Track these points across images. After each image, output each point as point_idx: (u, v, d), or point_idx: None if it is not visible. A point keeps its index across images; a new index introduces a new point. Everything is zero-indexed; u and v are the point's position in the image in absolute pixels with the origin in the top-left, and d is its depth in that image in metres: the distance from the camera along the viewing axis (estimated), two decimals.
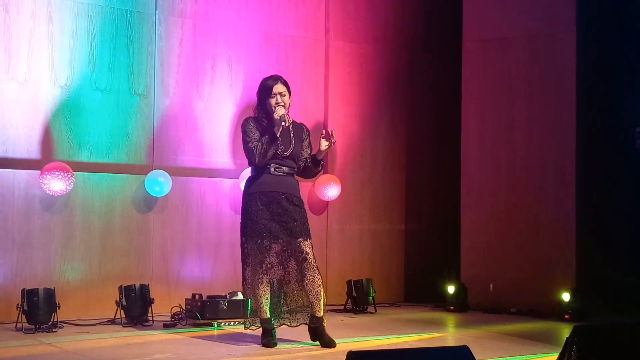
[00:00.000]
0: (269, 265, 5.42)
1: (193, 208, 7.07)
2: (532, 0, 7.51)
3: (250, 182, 5.53)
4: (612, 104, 7.35)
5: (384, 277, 8.01)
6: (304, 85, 7.66)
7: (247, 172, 7.13)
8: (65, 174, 6.27)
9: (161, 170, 6.81)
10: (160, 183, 6.75)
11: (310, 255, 5.41)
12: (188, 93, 7.07)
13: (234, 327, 6.25)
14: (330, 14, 7.85)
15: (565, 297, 7.00)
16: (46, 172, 6.25)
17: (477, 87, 7.75)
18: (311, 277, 5.40)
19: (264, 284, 5.44)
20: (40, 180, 6.26)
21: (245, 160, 7.20)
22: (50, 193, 6.30)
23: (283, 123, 5.33)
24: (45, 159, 6.39)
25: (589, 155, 7.32)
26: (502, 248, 7.55)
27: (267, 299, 5.46)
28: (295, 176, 5.57)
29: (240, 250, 5.51)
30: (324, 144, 5.45)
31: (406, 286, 8.23)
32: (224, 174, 7.23)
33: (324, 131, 5.49)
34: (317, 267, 5.44)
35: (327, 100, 7.83)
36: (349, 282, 7.32)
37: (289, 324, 5.56)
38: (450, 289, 7.57)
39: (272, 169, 5.43)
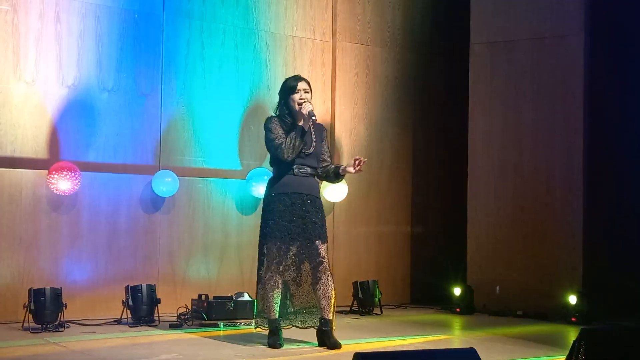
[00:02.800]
0: (285, 267, 5.42)
1: (200, 208, 7.07)
2: (539, 3, 7.50)
3: (272, 182, 5.52)
4: (619, 106, 7.34)
5: (390, 279, 8.00)
6: (311, 87, 7.64)
7: (255, 173, 7.18)
8: (73, 174, 6.28)
9: (168, 171, 6.82)
10: (167, 183, 6.76)
11: (326, 259, 5.43)
12: (195, 93, 7.07)
13: (240, 327, 6.25)
14: (338, 16, 7.85)
15: (572, 300, 6.99)
16: (53, 172, 6.26)
17: (484, 89, 7.74)
18: (325, 280, 5.41)
19: (278, 286, 5.44)
20: (48, 180, 6.27)
21: (252, 161, 7.31)
22: (58, 193, 6.31)
23: (313, 117, 5.35)
24: (52, 158, 6.40)
25: (596, 158, 7.31)
26: (509, 250, 7.53)
27: (277, 301, 5.47)
28: (315, 177, 5.58)
29: (257, 249, 5.49)
30: (350, 169, 5.44)
31: (412, 288, 8.22)
32: (230, 175, 7.23)
33: (357, 158, 5.42)
34: (330, 272, 5.46)
35: (334, 102, 7.83)
36: (355, 284, 7.32)
37: (299, 325, 5.56)
38: (457, 291, 7.56)
39: (296, 170, 5.43)
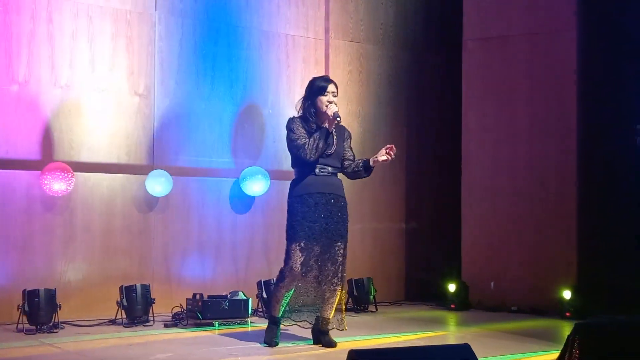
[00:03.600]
0: (309, 268, 5.40)
1: (194, 208, 7.07)
2: None
3: (295, 184, 5.50)
4: (613, 101, 7.34)
5: (385, 276, 8.00)
6: (305, 85, 7.61)
7: (249, 172, 7.18)
8: (66, 175, 6.27)
9: (162, 170, 6.81)
10: (161, 183, 6.74)
11: (344, 261, 5.44)
12: (188, 93, 7.07)
13: (235, 327, 6.25)
14: (330, 14, 7.85)
15: (567, 295, 7.00)
16: (47, 173, 6.25)
17: (478, 85, 7.75)
18: (337, 282, 5.42)
19: (291, 288, 5.45)
20: (41, 181, 6.26)
21: (246, 160, 7.30)
22: (51, 193, 6.30)
23: (338, 119, 5.35)
24: (45, 159, 6.39)
25: (590, 153, 7.32)
26: (503, 246, 7.54)
27: (286, 301, 5.48)
28: (338, 175, 5.57)
29: (285, 250, 5.45)
30: (382, 157, 5.40)
31: (407, 285, 8.23)
32: (224, 174, 7.22)
33: (387, 146, 5.41)
34: (345, 273, 5.47)
35: None
36: (350, 281, 7.31)
37: (309, 320, 5.57)
38: (451, 287, 7.57)
39: (317, 170, 5.41)
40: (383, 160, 5.42)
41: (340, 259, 5.41)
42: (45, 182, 6.25)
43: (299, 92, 7.40)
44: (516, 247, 7.48)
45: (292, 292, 5.48)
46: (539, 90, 7.45)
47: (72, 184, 6.33)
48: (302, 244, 5.35)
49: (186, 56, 7.06)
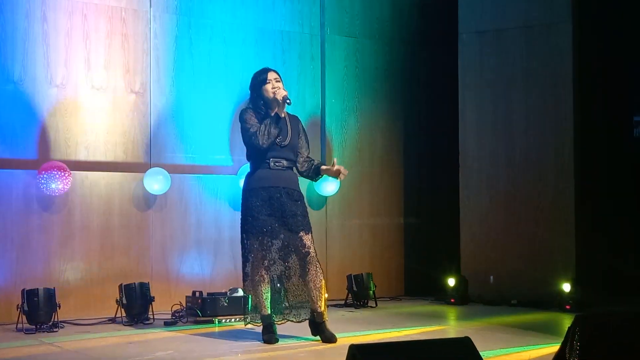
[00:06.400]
0: (271, 262, 5.39)
1: (192, 205, 7.06)
2: None
3: (249, 177, 5.51)
4: (610, 93, 7.34)
5: (384, 271, 8.00)
6: (301, 80, 7.65)
7: (246, 169, 7.16)
8: (63, 173, 6.25)
9: (159, 168, 6.80)
10: (158, 181, 6.74)
11: (312, 250, 5.39)
12: (184, 90, 7.05)
13: (235, 323, 6.24)
14: (326, 9, 7.84)
15: (566, 287, 7.00)
16: (43, 172, 6.23)
17: (474, 78, 7.74)
18: (314, 271, 5.38)
19: (265, 281, 5.42)
20: (38, 180, 6.25)
21: (243, 157, 7.27)
22: (48, 193, 6.29)
23: (287, 101, 5.33)
24: (42, 158, 6.38)
25: (587, 145, 7.32)
26: (502, 240, 7.54)
27: (267, 296, 5.44)
28: (294, 170, 5.56)
29: (240, 246, 5.50)
30: (332, 174, 5.49)
31: (406, 280, 8.23)
32: (222, 171, 7.22)
33: (340, 168, 5.48)
34: (319, 262, 5.43)
35: (324, 95, 7.81)
36: (349, 277, 7.31)
37: (293, 319, 5.54)
38: (451, 281, 7.57)
39: (272, 164, 5.41)
40: (333, 176, 5.52)
41: (307, 249, 5.35)
42: (43, 181, 6.23)
43: (295, 88, 7.42)
44: (515, 241, 7.47)
45: (269, 287, 5.42)
46: (535, 83, 7.44)
47: (69, 182, 6.32)
48: (259, 238, 5.34)
49: (182, 53, 7.04)
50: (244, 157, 7.21)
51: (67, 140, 6.52)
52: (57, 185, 6.25)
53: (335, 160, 5.54)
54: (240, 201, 5.53)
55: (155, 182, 6.73)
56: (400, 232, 8.26)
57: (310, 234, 5.42)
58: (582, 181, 7.28)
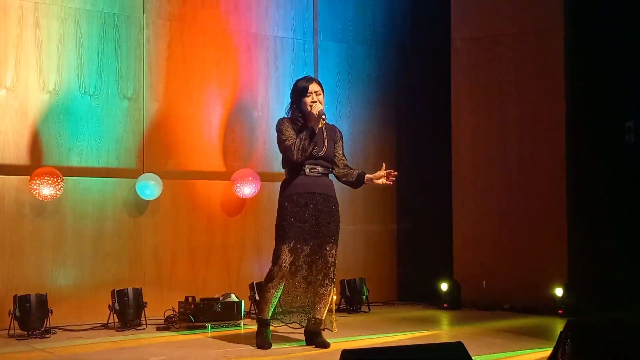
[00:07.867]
0: (298, 267, 5.41)
1: (184, 211, 7.05)
2: None
3: (285, 184, 5.50)
4: (602, 99, 7.36)
5: (377, 277, 8.00)
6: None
7: (239, 174, 7.17)
8: (55, 179, 6.25)
9: (152, 174, 6.79)
10: (151, 186, 6.73)
11: (333, 267, 5.44)
12: (177, 96, 7.05)
13: (228, 329, 6.23)
14: (319, 15, 7.85)
15: (558, 292, 7.02)
16: (36, 178, 6.22)
17: (467, 85, 7.76)
18: (328, 282, 5.42)
19: (280, 287, 5.43)
20: (30, 186, 6.24)
21: (237, 164, 7.29)
22: (40, 198, 6.28)
23: (323, 116, 5.34)
24: (34, 164, 6.36)
25: (579, 151, 7.34)
26: (495, 245, 7.56)
27: (274, 302, 5.47)
28: (329, 176, 5.57)
29: (273, 251, 5.45)
30: (380, 180, 5.46)
31: (399, 285, 8.23)
32: (214, 177, 7.21)
33: (389, 171, 5.47)
34: (334, 277, 5.47)
35: None
36: (342, 282, 7.32)
37: (299, 322, 5.56)
38: (444, 286, 7.58)
39: (307, 170, 5.41)
40: (380, 184, 5.48)
41: (331, 259, 5.41)
42: (35, 187, 6.22)
43: (288, 94, 7.39)
44: (508, 246, 7.49)
45: (280, 292, 5.46)
46: (528, 89, 7.46)
47: (62, 188, 6.31)
48: (291, 244, 5.34)
49: (174, 59, 7.04)
50: (237, 163, 7.29)
51: (60, 146, 6.51)
52: (50, 191, 6.24)
53: (384, 165, 5.52)
54: (277, 206, 5.47)
55: (148, 188, 6.72)
56: (393, 237, 8.26)
57: (336, 246, 5.43)
58: (574, 187, 7.30)
